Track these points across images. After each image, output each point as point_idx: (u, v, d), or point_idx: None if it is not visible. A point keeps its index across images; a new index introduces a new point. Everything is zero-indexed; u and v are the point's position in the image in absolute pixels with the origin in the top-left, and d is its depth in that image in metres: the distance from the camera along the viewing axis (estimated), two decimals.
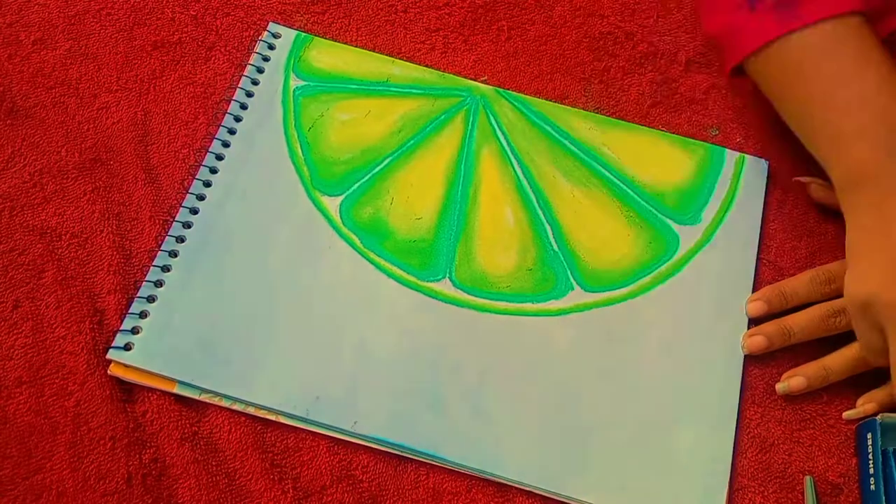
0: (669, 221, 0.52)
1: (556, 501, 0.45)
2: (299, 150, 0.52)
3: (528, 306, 0.49)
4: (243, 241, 0.49)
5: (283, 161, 0.52)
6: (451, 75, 0.56)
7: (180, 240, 0.49)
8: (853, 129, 0.44)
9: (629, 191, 0.53)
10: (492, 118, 0.55)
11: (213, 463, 0.44)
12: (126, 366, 0.45)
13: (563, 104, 0.55)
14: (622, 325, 0.49)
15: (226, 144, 0.52)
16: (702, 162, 0.54)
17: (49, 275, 0.47)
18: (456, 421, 0.45)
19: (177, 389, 0.45)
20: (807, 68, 0.45)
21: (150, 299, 0.47)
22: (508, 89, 0.56)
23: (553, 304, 0.49)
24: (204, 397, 0.45)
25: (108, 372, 0.45)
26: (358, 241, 0.50)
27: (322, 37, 0.56)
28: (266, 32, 0.56)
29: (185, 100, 0.53)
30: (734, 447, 0.46)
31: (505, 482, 0.45)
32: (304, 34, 0.56)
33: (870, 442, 0.45)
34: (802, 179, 0.53)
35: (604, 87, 0.57)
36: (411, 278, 0.49)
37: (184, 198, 0.50)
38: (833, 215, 0.52)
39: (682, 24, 0.59)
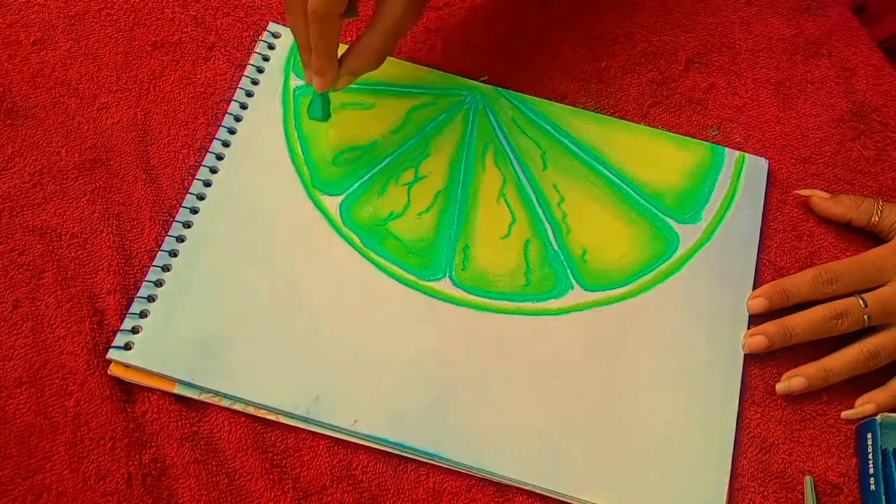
0: (669, 220, 0.52)
1: (556, 501, 0.45)
2: (299, 150, 0.52)
3: (528, 305, 0.49)
4: (243, 241, 0.49)
5: (284, 161, 0.52)
6: (451, 75, 0.56)
7: (180, 240, 0.49)
8: None
9: (629, 190, 0.53)
10: (492, 117, 0.55)
11: (213, 463, 0.44)
12: (126, 366, 0.45)
13: (563, 103, 0.55)
14: (622, 324, 0.49)
15: (226, 144, 0.52)
16: (702, 161, 0.54)
17: (49, 275, 0.47)
18: (456, 420, 0.45)
19: (177, 389, 0.45)
20: None
21: (150, 299, 0.47)
22: (508, 88, 0.56)
23: (553, 304, 0.49)
24: (204, 397, 0.45)
25: (108, 372, 0.45)
26: (358, 241, 0.50)
27: None
28: (266, 32, 0.56)
29: (185, 100, 0.53)
30: (734, 447, 0.46)
31: (505, 482, 0.45)
32: None
33: (870, 442, 0.45)
34: (803, 192, 0.53)
35: (603, 86, 0.57)
36: (411, 277, 0.49)
37: (184, 198, 0.50)
38: None
39: (681, 24, 0.59)
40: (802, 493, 0.46)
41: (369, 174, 0.52)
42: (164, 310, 0.47)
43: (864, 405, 0.47)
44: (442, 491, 0.45)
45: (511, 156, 0.53)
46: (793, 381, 0.47)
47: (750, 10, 0.60)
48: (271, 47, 0.55)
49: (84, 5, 0.56)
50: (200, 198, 0.50)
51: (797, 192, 0.53)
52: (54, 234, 0.48)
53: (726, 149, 0.55)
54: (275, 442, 0.45)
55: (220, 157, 0.51)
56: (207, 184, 0.50)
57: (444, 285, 0.49)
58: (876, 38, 0.59)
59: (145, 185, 0.50)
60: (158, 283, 0.47)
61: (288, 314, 0.47)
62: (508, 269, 0.50)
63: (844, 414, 0.48)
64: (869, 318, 0.47)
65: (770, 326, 0.48)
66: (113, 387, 0.45)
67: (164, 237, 0.49)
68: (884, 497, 0.44)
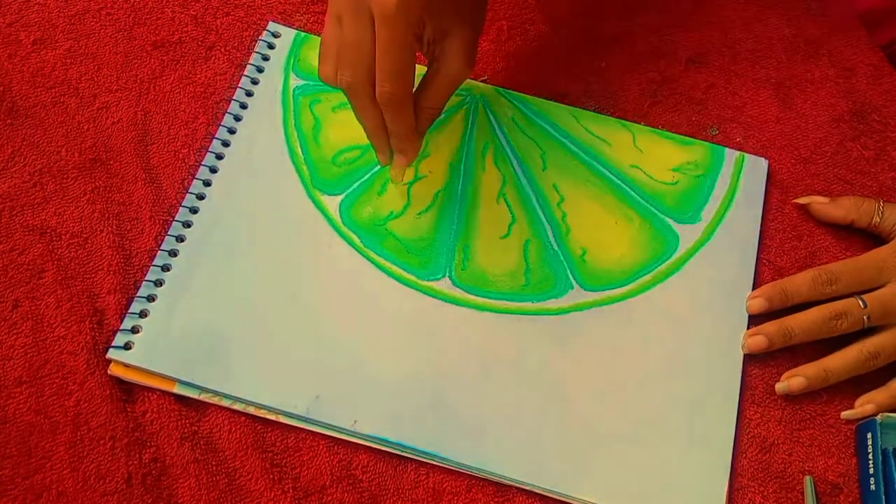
0: (669, 220, 0.52)
1: (555, 501, 0.45)
2: (299, 150, 0.52)
3: (528, 305, 0.49)
4: (243, 240, 0.49)
5: (283, 160, 0.52)
6: None
7: (180, 239, 0.49)
8: None
9: (629, 189, 0.53)
10: (492, 117, 0.55)
11: (213, 463, 0.44)
12: (126, 365, 0.45)
13: (563, 103, 0.55)
14: (621, 324, 0.49)
15: (226, 144, 0.52)
16: (701, 161, 0.54)
17: (49, 275, 0.47)
18: (456, 420, 0.45)
19: (177, 389, 0.45)
20: None
21: (150, 299, 0.47)
22: (508, 88, 0.56)
23: (552, 303, 0.49)
24: (204, 397, 0.45)
25: (108, 372, 0.45)
26: (358, 240, 0.50)
27: None
28: (266, 32, 0.56)
29: (185, 100, 0.53)
30: (734, 447, 0.46)
31: (505, 482, 0.45)
32: (303, 34, 0.56)
33: (870, 442, 0.45)
34: (801, 201, 0.53)
35: (603, 86, 0.57)
36: (411, 277, 0.49)
37: (184, 197, 0.50)
38: None
39: (681, 24, 0.59)
40: (802, 493, 0.46)
41: (369, 174, 0.52)
42: (164, 309, 0.47)
43: (864, 405, 0.47)
44: (442, 491, 0.45)
45: (511, 156, 0.53)
46: (792, 381, 0.47)
47: (750, 10, 0.60)
48: (271, 47, 0.55)
49: (84, 5, 0.55)
50: (200, 197, 0.50)
51: (795, 201, 0.53)
52: (54, 234, 0.48)
53: (726, 149, 0.55)
54: (275, 442, 0.45)
55: (219, 157, 0.51)
56: (207, 183, 0.50)
57: (444, 285, 0.49)
58: (878, 43, 0.59)
59: (145, 185, 0.50)
60: (158, 283, 0.47)
61: (288, 314, 0.47)
62: (508, 269, 0.50)
63: (844, 414, 0.48)
64: (868, 318, 0.47)
65: (769, 327, 0.48)
66: (113, 386, 0.45)
67: (164, 237, 0.49)
68: (884, 497, 0.44)
